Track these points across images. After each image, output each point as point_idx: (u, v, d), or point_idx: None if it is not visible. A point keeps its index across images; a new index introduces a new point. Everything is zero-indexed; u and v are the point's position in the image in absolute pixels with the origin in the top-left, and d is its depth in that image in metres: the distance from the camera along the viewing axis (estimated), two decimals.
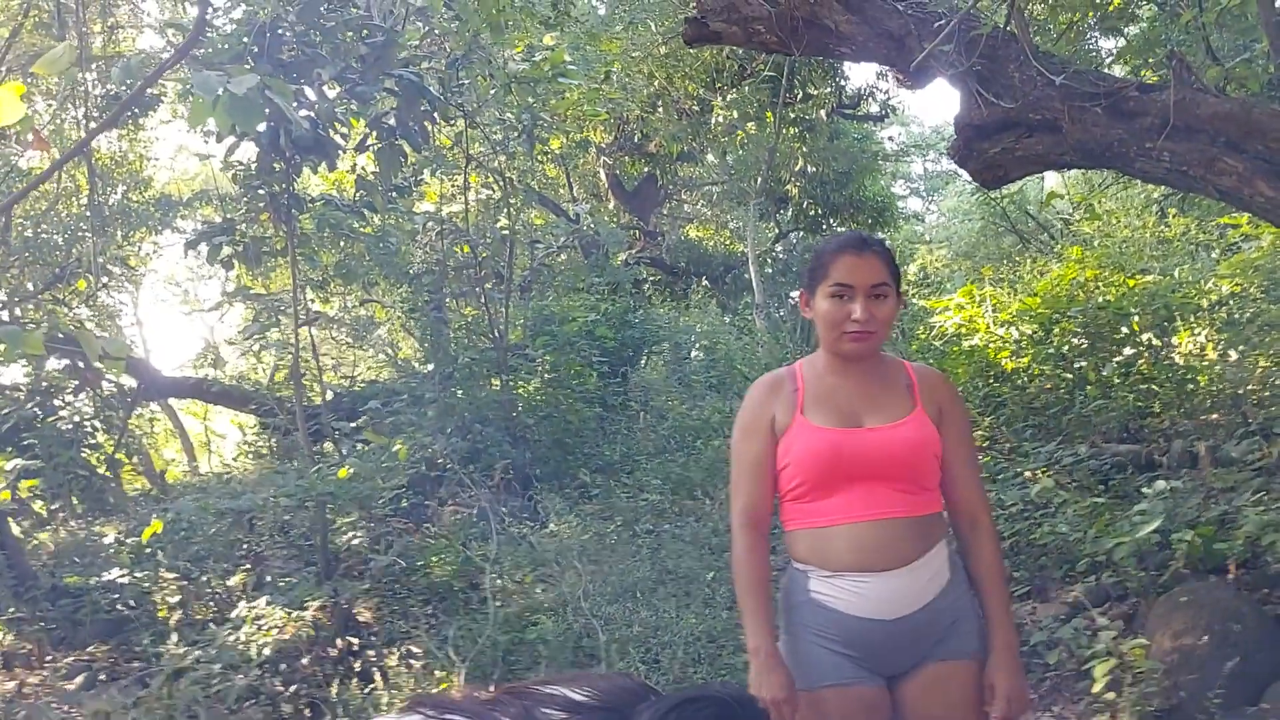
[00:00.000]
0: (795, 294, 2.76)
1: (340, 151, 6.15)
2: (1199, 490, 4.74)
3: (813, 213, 17.39)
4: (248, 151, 6.23)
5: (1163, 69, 5.29)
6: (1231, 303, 6.61)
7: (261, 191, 6.31)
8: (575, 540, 5.99)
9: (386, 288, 9.94)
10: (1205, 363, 6.22)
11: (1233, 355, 6.16)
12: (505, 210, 8.99)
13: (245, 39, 5.64)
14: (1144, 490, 4.68)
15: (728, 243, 18.68)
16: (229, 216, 7.02)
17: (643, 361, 10.55)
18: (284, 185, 6.16)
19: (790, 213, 17.46)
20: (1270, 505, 4.22)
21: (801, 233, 17.88)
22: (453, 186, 9.18)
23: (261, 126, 5.52)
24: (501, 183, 8.70)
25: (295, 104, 5.73)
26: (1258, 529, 3.99)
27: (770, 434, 2.20)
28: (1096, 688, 3.59)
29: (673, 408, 8.64)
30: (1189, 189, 5.47)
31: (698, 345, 11.52)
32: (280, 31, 5.76)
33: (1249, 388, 5.87)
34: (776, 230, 17.87)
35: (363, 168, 7.39)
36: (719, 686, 2.36)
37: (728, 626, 4.70)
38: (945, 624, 2.13)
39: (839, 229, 18.03)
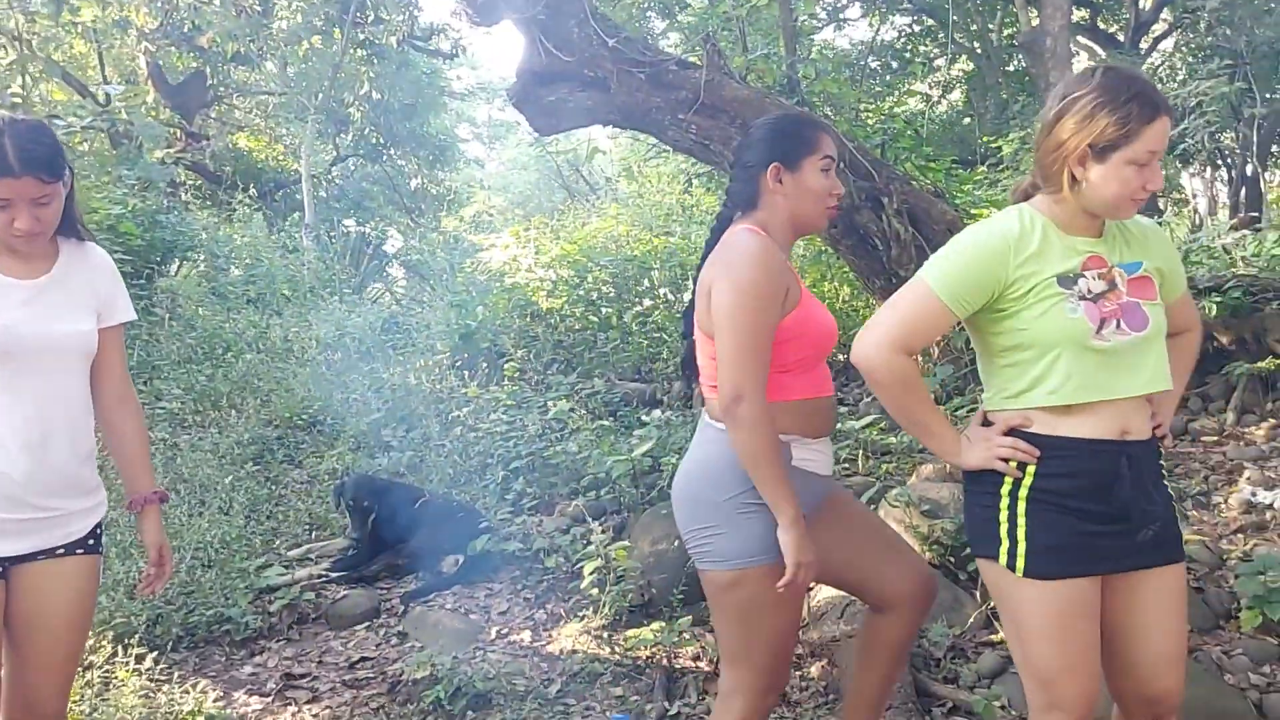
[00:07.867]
0: (774, 165, 2.35)
1: None
2: (689, 424, 5.46)
3: (374, 140, 17.09)
4: None
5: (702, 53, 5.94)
6: None
7: None
8: None
9: None
10: None
11: None
12: (20, 78, 7.89)
13: None
14: (644, 419, 5.30)
15: (281, 158, 17.76)
16: None
17: (174, 268, 9.78)
18: None
19: (351, 137, 17.00)
20: None
21: (360, 159, 17.50)
22: None
23: None
24: (18, 45, 7.61)
25: None
26: None
27: (783, 304, 2.09)
28: (584, 584, 4.05)
29: (204, 318, 8.14)
30: (709, 161, 6.22)
31: (238, 259, 10.86)
32: None
33: None
34: (335, 153, 17.31)
35: None
36: None
37: (242, 533, 4.63)
38: None
39: (399, 161, 17.90)
